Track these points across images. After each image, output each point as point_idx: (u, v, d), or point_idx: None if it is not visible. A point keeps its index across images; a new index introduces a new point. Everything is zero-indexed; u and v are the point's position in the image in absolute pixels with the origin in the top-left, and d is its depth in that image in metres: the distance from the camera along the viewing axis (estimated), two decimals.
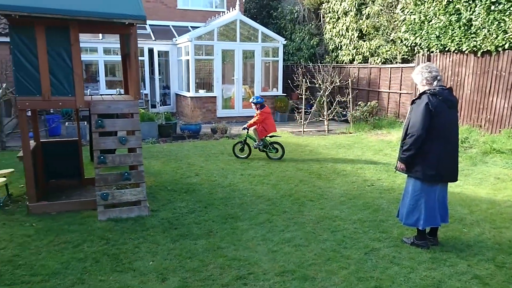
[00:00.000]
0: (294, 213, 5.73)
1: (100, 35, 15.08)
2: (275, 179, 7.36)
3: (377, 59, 14.44)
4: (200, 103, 14.54)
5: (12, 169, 6.31)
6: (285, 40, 15.71)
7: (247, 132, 8.94)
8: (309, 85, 13.69)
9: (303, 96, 13.28)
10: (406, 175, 4.62)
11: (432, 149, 4.32)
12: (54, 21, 5.22)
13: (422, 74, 4.42)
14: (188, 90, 14.89)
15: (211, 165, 8.33)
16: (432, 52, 11.87)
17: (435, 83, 4.36)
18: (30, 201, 5.59)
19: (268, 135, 8.75)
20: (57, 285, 3.79)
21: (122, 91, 7.46)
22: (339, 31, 16.33)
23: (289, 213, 5.72)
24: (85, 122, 10.57)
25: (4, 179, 5.79)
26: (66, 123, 11.33)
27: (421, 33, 12.01)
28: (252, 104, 8.70)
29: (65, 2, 5.20)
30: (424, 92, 4.36)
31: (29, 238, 4.75)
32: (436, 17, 11.42)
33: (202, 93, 14.68)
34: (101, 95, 7.23)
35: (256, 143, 8.93)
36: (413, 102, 4.45)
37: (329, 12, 16.93)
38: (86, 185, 6.86)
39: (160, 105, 15.86)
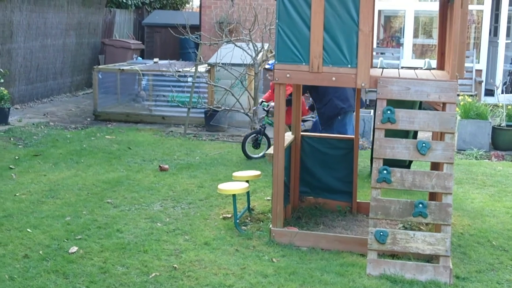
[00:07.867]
0: None
1: None
2: None
3: None
4: None
5: (259, 172, 5.25)
6: None
7: (267, 115, 7.25)
8: None
9: None
10: None
11: None
12: None
13: None
14: None
15: None
16: None
17: None
18: (274, 224, 4.71)
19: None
20: None
21: (434, 62, 5.65)
22: None
23: None
24: (371, 111, 8.36)
25: (246, 185, 4.71)
26: None
27: None
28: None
29: None
30: None
31: (264, 279, 4.07)
32: None
33: None
34: (400, 68, 5.71)
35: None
36: None
37: None
38: (358, 212, 5.51)
39: (503, 92, 11.46)
